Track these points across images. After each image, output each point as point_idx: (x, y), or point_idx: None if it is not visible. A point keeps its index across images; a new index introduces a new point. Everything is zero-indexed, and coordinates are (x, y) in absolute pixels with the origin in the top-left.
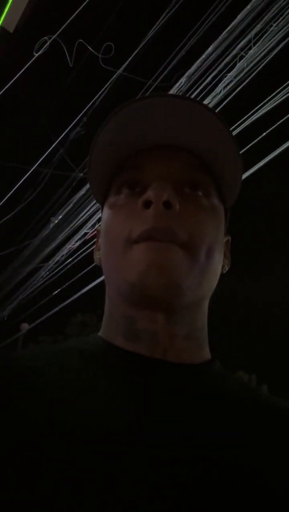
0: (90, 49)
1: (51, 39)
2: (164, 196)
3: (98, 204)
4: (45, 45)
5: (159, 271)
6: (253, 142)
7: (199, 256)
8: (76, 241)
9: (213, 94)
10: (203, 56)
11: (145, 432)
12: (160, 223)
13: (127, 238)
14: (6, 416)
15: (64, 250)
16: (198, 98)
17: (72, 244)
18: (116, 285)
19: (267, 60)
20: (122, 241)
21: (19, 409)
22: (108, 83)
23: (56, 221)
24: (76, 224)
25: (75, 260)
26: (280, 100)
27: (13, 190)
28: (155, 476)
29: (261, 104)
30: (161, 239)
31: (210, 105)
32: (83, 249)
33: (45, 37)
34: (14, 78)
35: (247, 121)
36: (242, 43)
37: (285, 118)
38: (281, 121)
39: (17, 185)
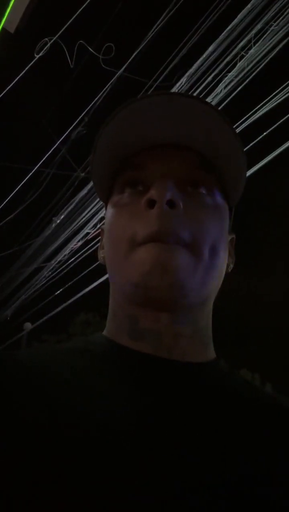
0: (91, 50)
1: (52, 41)
2: (167, 195)
3: (100, 204)
4: (46, 46)
5: (163, 272)
6: (255, 141)
7: (203, 256)
8: (79, 241)
9: (213, 93)
10: (204, 55)
11: (149, 432)
12: (165, 225)
13: (132, 239)
14: (6, 417)
15: (67, 250)
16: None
17: (75, 243)
18: (120, 285)
19: (267, 60)
20: (126, 242)
21: (20, 410)
22: (109, 84)
23: (58, 221)
24: (78, 224)
25: (78, 260)
26: (281, 99)
27: (16, 190)
28: (160, 476)
29: (262, 103)
30: (165, 241)
31: None
32: (85, 249)
33: (46, 39)
34: (16, 79)
35: (248, 121)
36: (242, 42)
37: (286, 117)
38: (282, 120)
39: (19, 186)
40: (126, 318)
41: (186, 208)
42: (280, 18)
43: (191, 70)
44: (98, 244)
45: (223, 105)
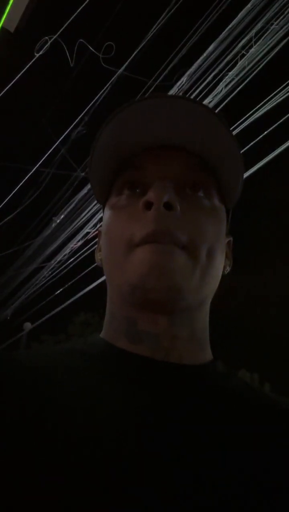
0: (91, 48)
1: (52, 39)
2: (164, 197)
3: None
4: (46, 45)
5: (160, 274)
6: (255, 141)
7: (200, 258)
8: (78, 241)
9: (214, 93)
10: (204, 55)
11: (148, 435)
12: (161, 226)
13: (129, 242)
14: (5, 417)
15: (67, 250)
16: (199, 97)
17: (74, 243)
18: (117, 287)
19: (268, 59)
20: (123, 244)
21: (19, 410)
22: (109, 83)
23: (58, 221)
24: (78, 224)
25: (78, 260)
26: (281, 98)
27: (15, 190)
28: (159, 477)
29: (263, 102)
30: (162, 242)
31: (211, 104)
32: (85, 249)
33: (46, 37)
34: (16, 79)
35: (248, 120)
36: (243, 41)
37: (287, 116)
38: (283, 119)
39: (19, 185)
40: (124, 320)
41: (183, 210)
42: (281, 17)
43: (191, 69)
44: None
45: (223, 104)
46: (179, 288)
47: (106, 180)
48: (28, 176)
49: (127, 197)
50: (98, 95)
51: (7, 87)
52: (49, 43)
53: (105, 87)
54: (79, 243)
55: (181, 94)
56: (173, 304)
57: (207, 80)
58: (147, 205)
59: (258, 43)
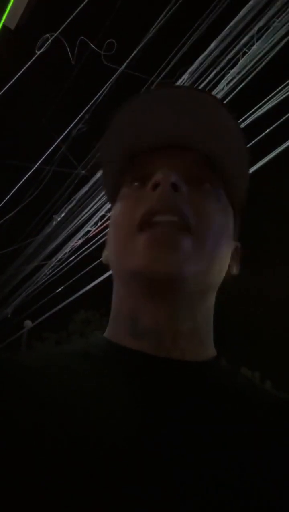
0: (92, 46)
1: (53, 37)
2: (172, 177)
3: (100, 202)
4: (47, 43)
5: (164, 256)
6: (257, 139)
7: (205, 241)
8: (79, 239)
9: (215, 90)
10: (206, 52)
11: (148, 434)
12: (165, 200)
13: (133, 222)
14: (5, 417)
15: (67, 248)
16: None
17: (75, 241)
18: (121, 274)
19: (270, 56)
20: (127, 225)
21: (19, 410)
22: (110, 80)
23: (58, 219)
24: (79, 222)
25: (78, 258)
26: (283, 96)
27: (16, 188)
28: (161, 476)
29: (264, 100)
30: (164, 219)
31: None
32: (86, 247)
33: (47, 35)
34: (16, 76)
35: (250, 118)
36: (244, 39)
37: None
38: (284, 117)
39: (19, 183)
40: (128, 315)
41: (190, 194)
42: (283, 15)
43: (193, 67)
44: (99, 242)
45: (225, 102)
46: (182, 270)
47: (116, 173)
48: (29, 174)
49: (136, 188)
50: (100, 92)
51: (8, 85)
52: (50, 41)
53: (106, 85)
54: (80, 241)
55: None
56: (176, 287)
57: (209, 78)
58: (154, 187)
59: (260, 41)
